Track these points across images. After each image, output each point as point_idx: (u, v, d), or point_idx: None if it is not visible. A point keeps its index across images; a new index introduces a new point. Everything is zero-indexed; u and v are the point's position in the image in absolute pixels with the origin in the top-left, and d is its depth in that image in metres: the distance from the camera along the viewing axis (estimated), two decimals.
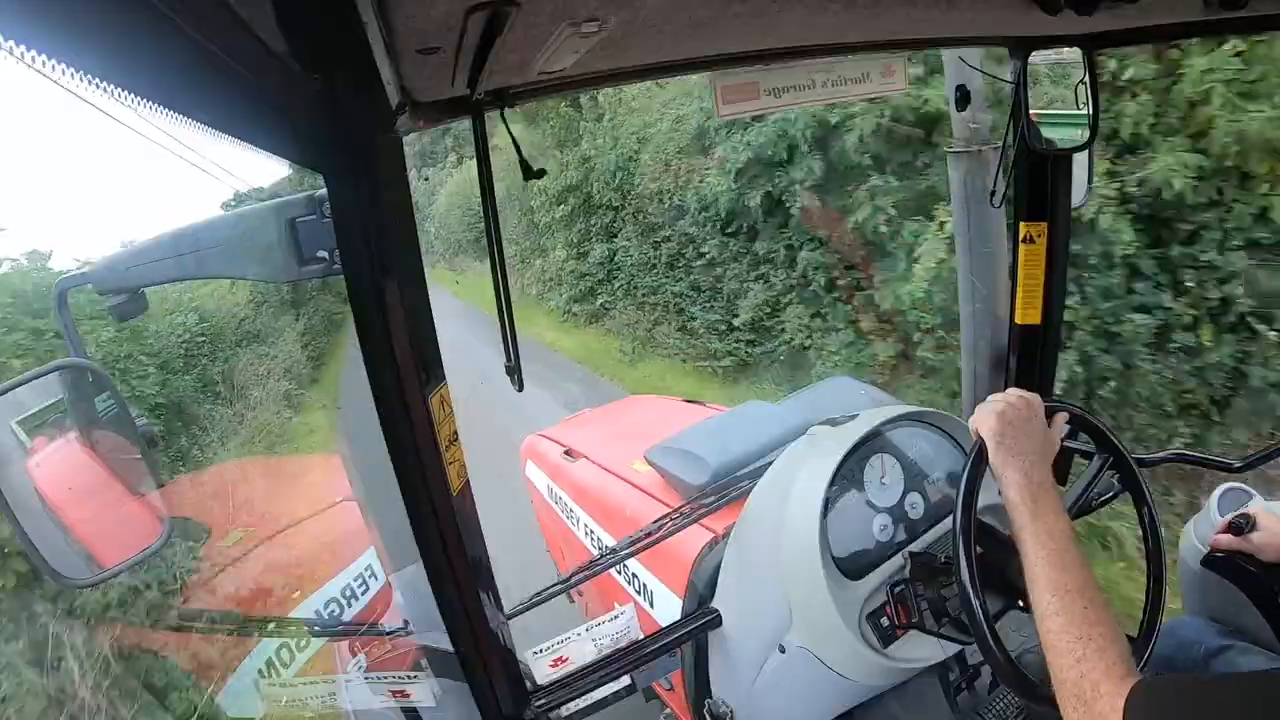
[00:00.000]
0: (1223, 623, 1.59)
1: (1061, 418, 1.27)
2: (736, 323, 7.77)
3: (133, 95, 0.47)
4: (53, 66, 0.37)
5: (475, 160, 1.12)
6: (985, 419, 1.21)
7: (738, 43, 1.24)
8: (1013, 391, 1.25)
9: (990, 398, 1.25)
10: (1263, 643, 1.52)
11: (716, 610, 1.66)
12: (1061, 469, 1.65)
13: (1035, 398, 1.24)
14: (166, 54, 0.45)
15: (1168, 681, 0.93)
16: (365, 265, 0.96)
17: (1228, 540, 1.53)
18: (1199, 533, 1.62)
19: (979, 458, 1.21)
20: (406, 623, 1.61)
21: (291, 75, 0.63)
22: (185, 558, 3.32)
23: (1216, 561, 1.57)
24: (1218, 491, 1.57)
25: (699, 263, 8.36)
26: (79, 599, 3.39)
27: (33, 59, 0.36)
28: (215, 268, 1.16)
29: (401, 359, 1.01)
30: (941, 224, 4.82)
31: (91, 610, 3.47)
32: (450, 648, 1.27)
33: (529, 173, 1.18)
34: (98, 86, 0.43)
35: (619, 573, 2.26)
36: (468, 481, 1.19)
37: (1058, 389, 2.37)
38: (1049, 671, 0.98)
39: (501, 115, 1.13)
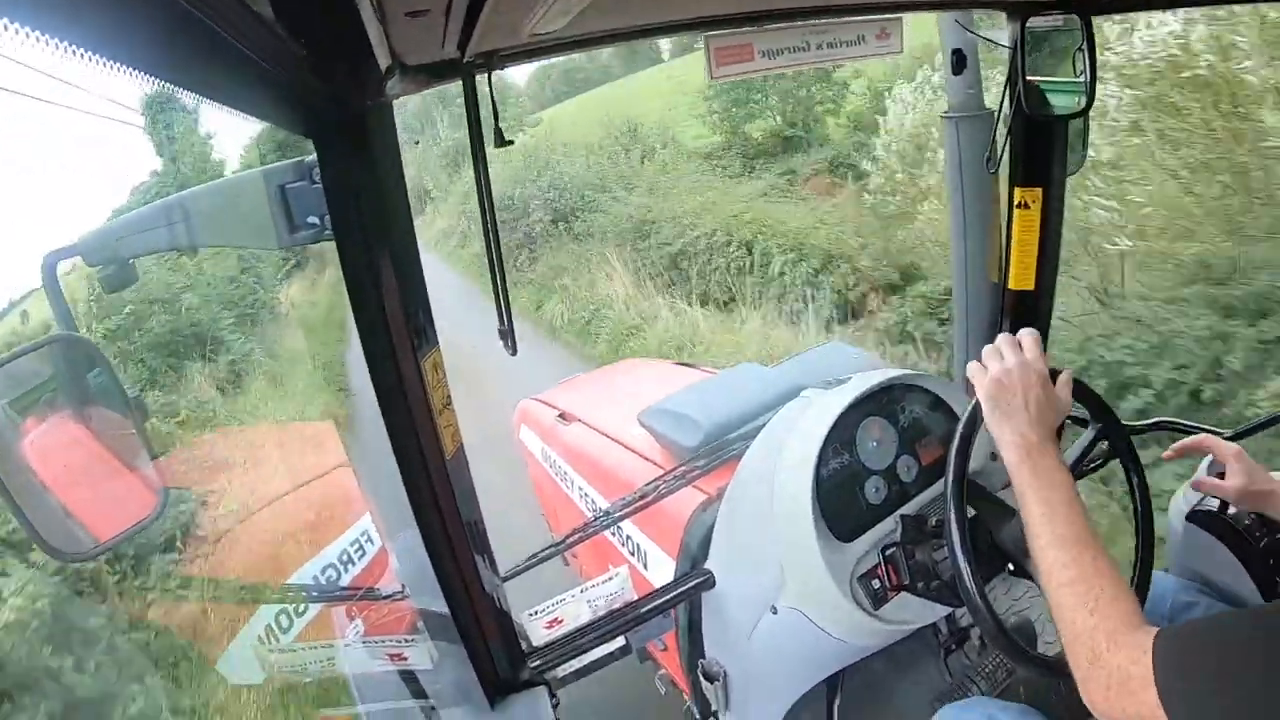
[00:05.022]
0: (1200, 580, 1.63)
1: (1067, 377, 1.22)
2: None
3: (120, 64, 0.46)
4: (36, 38, 0.37)
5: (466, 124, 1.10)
6: (979, 379, 1.19)
7: (731, 4, 1.21)
8: (1004, 341, 1.21)
9: (985, 349, 1.22)
10: (1231, 598, 1.56)
11: (710, 571, 1.68)
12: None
13: (1034, 355, 1.19)
14: (153, 22, 0.45)
15: (1188, 628, 0.93)
16: (356, 230, 0.95)
17: (1211, 484, 1.53)
18: (1188, 497, 1.65)
19: (973, 419, 1.21)
20: (403, 586, 1.62)
21: (279, 40, 0.61)
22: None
23: (1200, 516, 1.60)
24: (1208, 459, 1.59)
25: None
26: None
27: (15, 31, 0.35)
28: (206, 236, 1.15)
29: (394, 323, 1.01)
30: None
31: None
32: (446, 611, 1.29)
33: (500, 140, 1.15)
34: (83, 57, 0.42)
35: (613, 535, 2.28)
36: (461, 445, 1.19)
37: None
38: (1056, 625, 0.98)
39: (488, 79, 1.11)
